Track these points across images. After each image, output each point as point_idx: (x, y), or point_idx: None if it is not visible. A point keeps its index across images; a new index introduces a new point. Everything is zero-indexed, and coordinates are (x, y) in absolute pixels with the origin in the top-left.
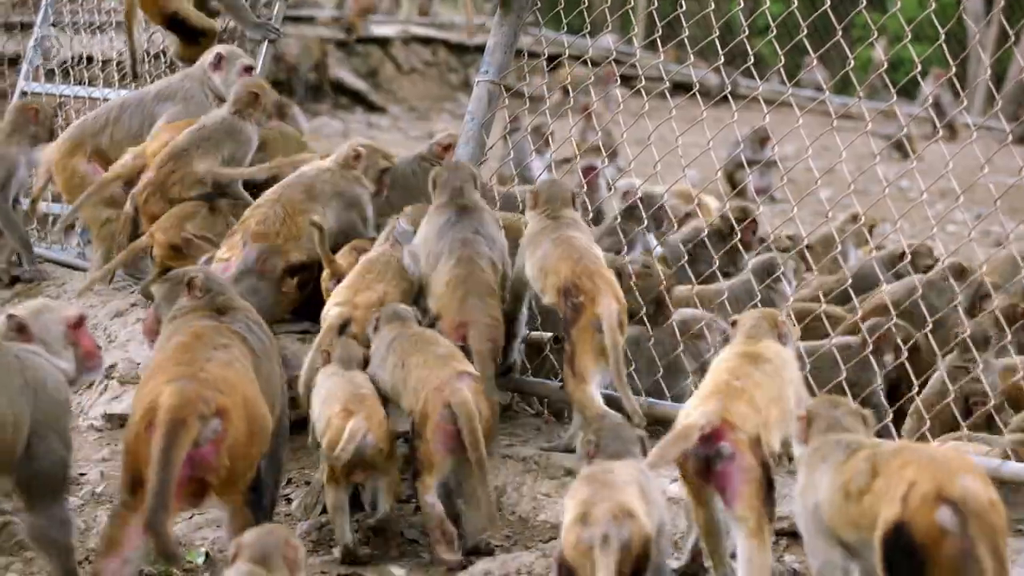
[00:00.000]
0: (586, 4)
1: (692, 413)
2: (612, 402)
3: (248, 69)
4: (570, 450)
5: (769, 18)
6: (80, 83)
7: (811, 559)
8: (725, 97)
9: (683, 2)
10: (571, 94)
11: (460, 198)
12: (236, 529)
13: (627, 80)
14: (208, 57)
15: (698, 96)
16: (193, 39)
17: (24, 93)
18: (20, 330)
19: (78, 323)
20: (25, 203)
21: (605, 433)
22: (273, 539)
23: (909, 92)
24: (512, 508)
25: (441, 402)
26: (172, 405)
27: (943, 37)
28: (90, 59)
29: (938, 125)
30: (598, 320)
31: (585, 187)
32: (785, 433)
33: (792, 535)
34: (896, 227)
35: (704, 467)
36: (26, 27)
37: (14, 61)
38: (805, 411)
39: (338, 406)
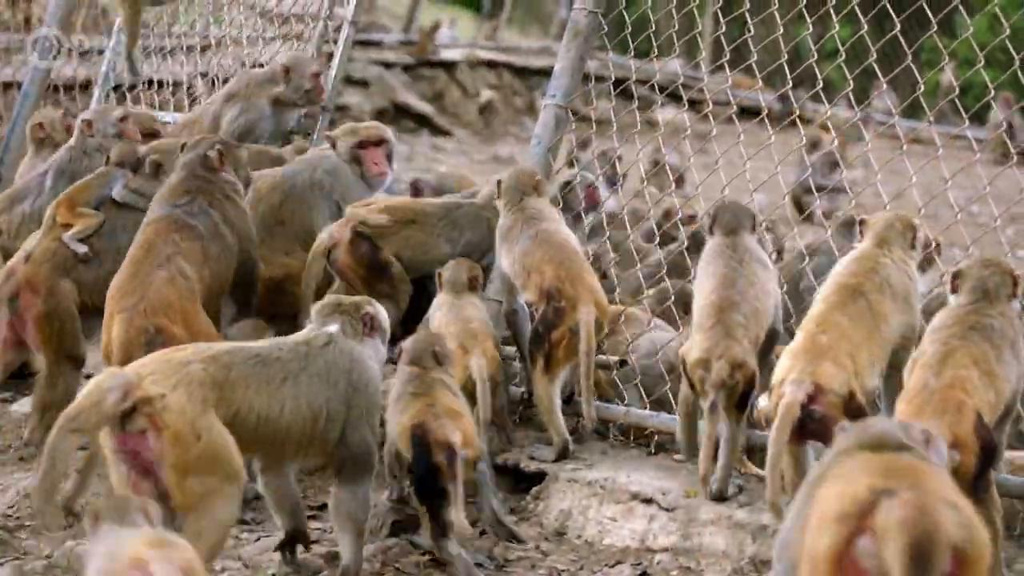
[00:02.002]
0: (653, 29)
1: (786, 376)
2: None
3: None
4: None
5: (838, 42)
6: (151, 107)
7: None
8: (793, 121)
9: (751, 26)
10: (638, 118)
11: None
12: None
13: (694, 104)
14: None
15: (766, 120)
16: None
17: None
18: (371, 324)
19: None
20: None
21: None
22: (423, 342)
23: (979, 117)
24: (578, 532)
25: None
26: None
27: (1017, 63)
28: (160, 84)
29: (1011, 150)
30: (577, 325)
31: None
32: (883, 364)
33: None
34: (968, 252)
35: (800, 425)
36: (100, 52)
37: (85, 87)
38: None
39: (454, 342)
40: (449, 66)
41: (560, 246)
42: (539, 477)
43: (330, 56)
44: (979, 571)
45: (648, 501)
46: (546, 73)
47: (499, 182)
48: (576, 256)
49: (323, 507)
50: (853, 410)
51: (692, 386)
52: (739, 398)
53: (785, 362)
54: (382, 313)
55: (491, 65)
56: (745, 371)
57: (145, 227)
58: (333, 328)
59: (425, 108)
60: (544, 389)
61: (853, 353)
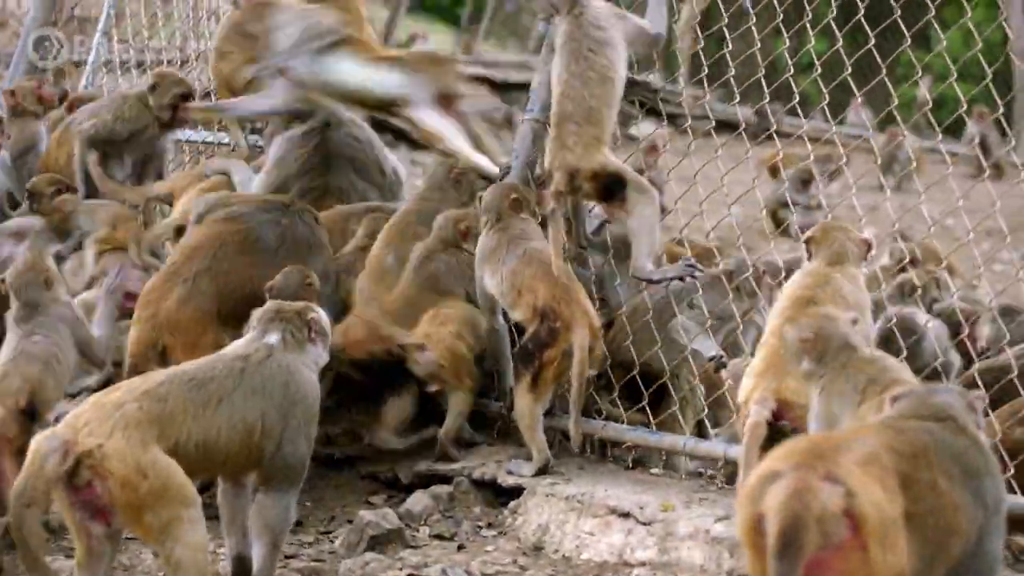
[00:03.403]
0: None
1: (750, 396)
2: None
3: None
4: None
5: (814, 56)
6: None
7: None
8: (770, 135)
9: (729, 41)
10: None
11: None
12: None
13: (672, 118)
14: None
15: (744, 135)
16: None
17: None
18: (315, 329)
19: None
20: None
21: None
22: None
23: (954, 131)
24: (556, 547)
25: None
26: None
27: (990, 76)
28: None
29: (984, 164)
30: (571, 347)
31: None
32: None
33: None
34: (942, 266)
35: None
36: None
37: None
38: (809, 331)
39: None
40: None
41: (553, 265)
42: (516, 492)
43: None
44: (874, 531)
45: (625, 515)
46: (524, 88)
47: (479, 198)
48: (569, 276)
49: (298, 523)
50: None
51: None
52: None
53: (748, 381)
54: (324, 317)
55: (470, 79)
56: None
57: (209, 223)
58: (273, 339)
59: (403, 123)
60: (528, 406)
61: None
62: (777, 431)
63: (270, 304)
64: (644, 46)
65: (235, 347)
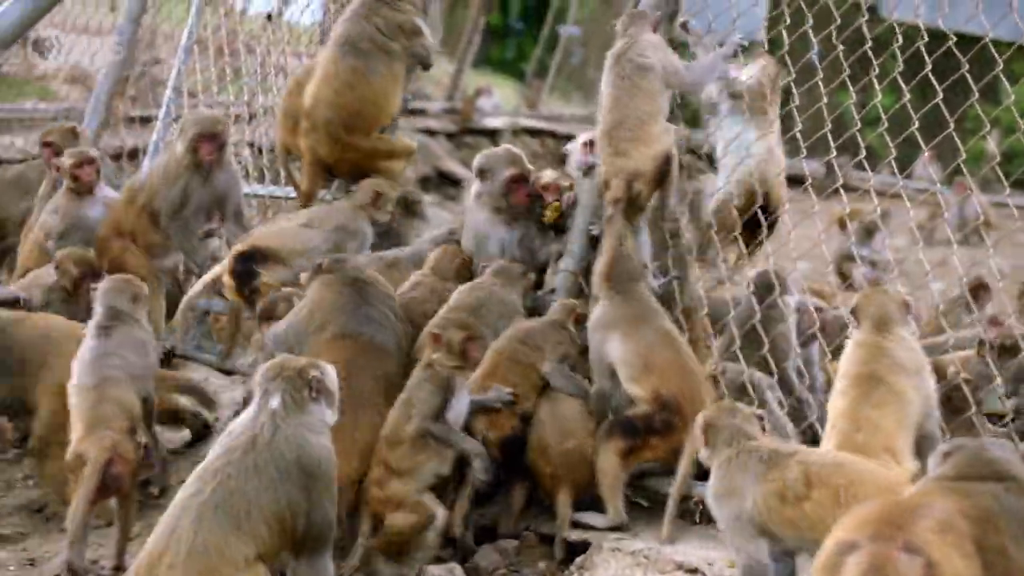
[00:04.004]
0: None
1: None
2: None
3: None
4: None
5: (881, 110)
6: None
7: (737, 558)
8: (837, 190)
9: (796, 95)
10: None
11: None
12: None
13: None
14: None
15: (810, 189)
16: None
17: None
18: (316, 388)
19: None
20: None
21: None
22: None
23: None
24: None
25: None
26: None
27: None
28: None
29: None
30: (680, 446)
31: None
32: (913, 443)
33: None
34: (1011, 316)
35: None
36: (144, 121)
37: (133, 155)
38: (703, 421)
39: None
40: (492, 134)
41: (687, 356)
42: (583, 547)
43: None
44: None
45: (693, 571)
46: None
47: (607, 265)
48: (699, 371)
49: None
50: None
51: None
52: None
53: None
54: (329, 374)
55: (534, 133)
56: None
57: (336, 340)
58: (275, 403)
59: (467, 175)
60: (613, 468)
61: (889, 445)
62: None
63: (275, 360)
64: (676, 86)
65: (242, 426)
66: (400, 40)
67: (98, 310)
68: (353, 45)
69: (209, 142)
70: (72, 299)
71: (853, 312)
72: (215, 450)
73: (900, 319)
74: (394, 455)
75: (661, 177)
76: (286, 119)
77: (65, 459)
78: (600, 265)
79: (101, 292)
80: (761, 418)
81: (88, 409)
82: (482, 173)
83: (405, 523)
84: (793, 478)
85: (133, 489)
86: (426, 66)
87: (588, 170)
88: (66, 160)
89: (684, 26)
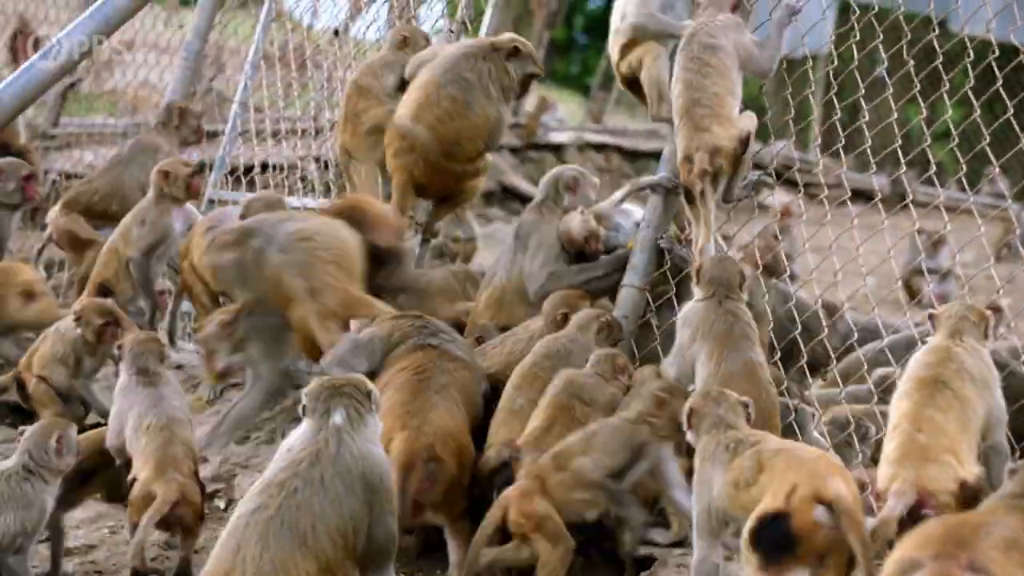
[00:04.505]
0: (768, 115)
1: (889, 485)
2: None
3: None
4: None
5: (950, 125)
6: (265, 188)
7: (695, 551)
8: (905, 205)
9: (865, 110)
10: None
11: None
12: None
13: (807, 187)
14: None
15: (879, 204)
16: None
17: (211, 201)
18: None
19: None
20: None
21: None
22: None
23: None
24: None
25: None
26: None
27: None
28: (273, 167)
29: None
30: None
31: None
32: (976, 448)
33: None
34: None
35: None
36: (211, 136)
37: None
38: (689, 407)
39: None
40: (557, 149)
41: (767, 391)
42: (648, 562)
43: None
44: None
45: None
46: (655, 156)
47: (700, 269)
48: (774, 409)
49: None
50: (968, 498)
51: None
52: None
53: (887, 469)
54: (376, 389)
55: (599, 148)
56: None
57: (410, 352)
58: (338, 419)
59: (532, 190)
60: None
61: (952, 447)
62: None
63: (330, 378)
64: (750, 70)
65: (303, 441)
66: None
67: (130, 368)
68: (459, 76)
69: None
70: (95, 351)
71: (931, 318)
72: (275, 465)
73: (975, 329)
74: (555, 477)
75: (737, 159)
76: (346, 123)
77: (132, 494)
78: (698, 262)
79: (129, 351)
80: (746, 406)
81: (158, 449)
82: None
83: (554, 557)
84: (748, 466)
85: (196, 527)
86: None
87: (655, 187)
88: (182, 167)
89: None
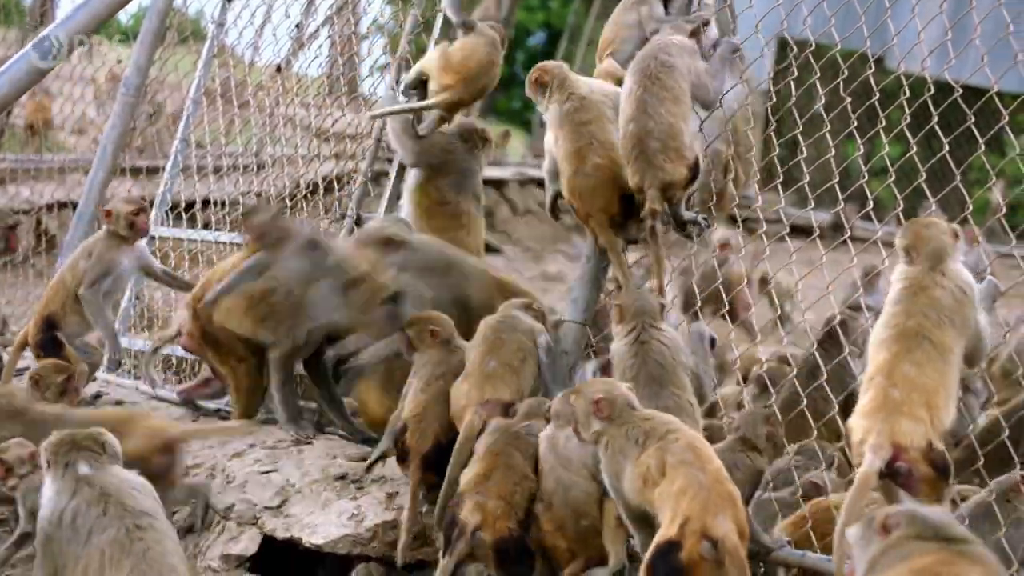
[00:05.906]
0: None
1: (861, 439)
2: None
3: None
4: None
5: (887, 161)
6: (206, 227)
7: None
8: (844, 240)
9: (803, 147)
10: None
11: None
12: None
13: (746, 223)
14: None
15: (818, 240)
16: None
17: (153, 238)
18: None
19: None
20: None
21: None
22: None
23: None
24: None
25: None
26: None
27: None
28: (215, 202)
29: None
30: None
31: None
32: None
33: None
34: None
35: (882, 476)
36: (151, 172)
37: None
38: (599, 396)
39: None
40: (499, 184)
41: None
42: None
43: (385, 174)
44: None
45: None
46: None
47: (620, 307)
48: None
49: None
50: (933, 459)
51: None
52: None
53: (862, 422)
54: None
55: (541, 183)
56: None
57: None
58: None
59: None
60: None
61: (928, 400)
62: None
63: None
64: (696, 97)
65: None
66: None
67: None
68: None
69: None
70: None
71: (904, 248)
72: None
73: (951, 251)
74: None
75: (688, 184)
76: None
77: None
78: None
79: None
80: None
81: None
82: None
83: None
84: (652, 465)
85: None
86: None
87: None
88: (124, 206)
89: None
